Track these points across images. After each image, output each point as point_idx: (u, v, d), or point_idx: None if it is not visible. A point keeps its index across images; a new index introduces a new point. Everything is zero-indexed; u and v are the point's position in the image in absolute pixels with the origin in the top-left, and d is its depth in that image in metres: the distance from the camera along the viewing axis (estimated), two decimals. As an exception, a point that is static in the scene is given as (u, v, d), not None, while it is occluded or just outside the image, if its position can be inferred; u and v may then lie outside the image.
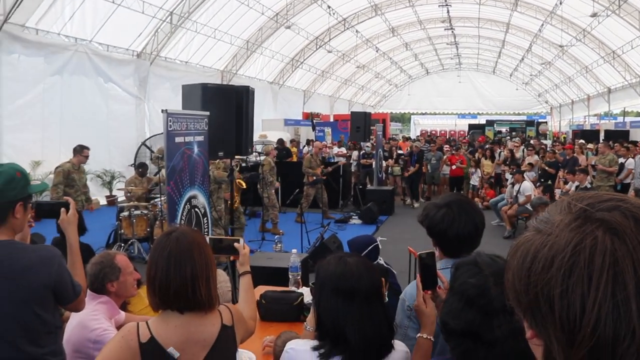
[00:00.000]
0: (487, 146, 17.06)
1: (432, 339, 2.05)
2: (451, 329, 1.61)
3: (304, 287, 4.17)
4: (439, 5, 25.37)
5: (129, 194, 9.96)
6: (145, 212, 9.11)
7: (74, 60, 14.47)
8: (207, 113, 5.72)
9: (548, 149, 16.47)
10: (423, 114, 46.04)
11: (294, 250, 4.69)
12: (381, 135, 15.81)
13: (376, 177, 14.76)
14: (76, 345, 2.68)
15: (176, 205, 5.18)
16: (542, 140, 22.90)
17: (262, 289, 4.01)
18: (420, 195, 15.74)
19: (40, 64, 13.52)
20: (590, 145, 18.47)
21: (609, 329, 0.65)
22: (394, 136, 26.66)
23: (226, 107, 5.96)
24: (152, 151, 14.41)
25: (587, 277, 0.66)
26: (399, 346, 2.03)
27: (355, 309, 1.93)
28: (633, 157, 13.02)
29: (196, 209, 5.63)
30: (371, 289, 1.99)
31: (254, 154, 11.56)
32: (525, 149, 16.39)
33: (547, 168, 13.78)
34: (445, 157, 15.68)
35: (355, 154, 16.72)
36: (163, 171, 7.45)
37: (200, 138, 5.58)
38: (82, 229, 5.41)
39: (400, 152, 17.41)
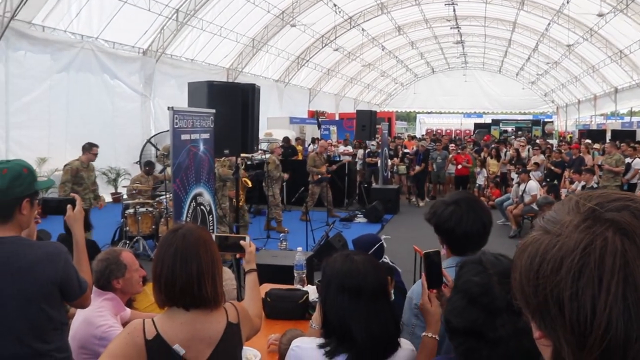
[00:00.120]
0: (492, 145, 17.02)
1: (437, 338, 2.04)
2: (454, 327, 1.61)
3: (309, 285, 4.17)
4: (445, 4, 25.31)
5: (133, 192, 9.98)
6: (151, 209, 9.12)
7: (80, 57, 14.52)
8: (213, 111, 5.73)
9: (554, 148, 16.44)
10: (429, 112, 45.96)
11: (299, 249, 4.69)
12: (387, 134, 15.81)
13: (381, 176, 14.75)
14: (82, 341, 2.69)
15: (182, 203, 5.18)
16: (548, 140, 22.84)
17: (267, 286, 4.00)
18: (425, 195, 15.72)
19: (47, 61, 13.56)
20: (596, 145, 18.40)
21: (620, 331, 0.64)
22: (399, 135, 26.62)
23: (232, 105, 5.97)
24: (157, 149, 14.43)
25: (597, 279, 0.66)
26: (405, 344, 2.02)
27: (362, 307, 1.92)
28: (640, 157, 12.97)
29: (202, 207, 5.63)
30: (378, 287, 1.98)
31: (259, 152, 11.56)
32: (531, 149, 16.34)
33: (553, 168, 13.74)
34: (451, 156, 15.65)
35: (360, 152, 16.70)
36: (168, 169, 7.46)
37: (206, 136, 5.58)
38: (87, 226, 5.43)
39: (405, 150, 17.39)
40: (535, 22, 27.24)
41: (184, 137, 5.17)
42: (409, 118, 53.70)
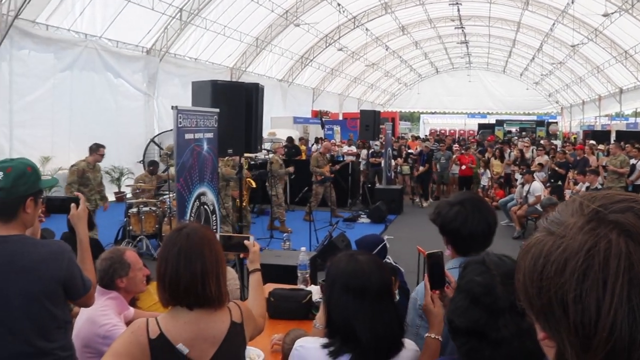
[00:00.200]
0: (496, 146, 16.98)
1: (440, 339, 2.04)
2: (456, 327, 1.61)
3: (312, 285, 4.17)
4: (450, 4, 25.31)
5: (137, 191, 9.99)
6: (154, 208, 9.14)
7: (83, 56, 14.54)
8: (217, 110, 5.73)
9: (558, 149, 16.38)
10: (432, 113, 45.92)
11: (303, 248, 4.70)
12: (390, 134, 15.78)
13: (385, 176, 14.74)
14: (85, 340, 2.70)
15: (185, 202, 5.19)
16: (552, 141, 22.79)
17: (270, 286, 4.01)
18: (429, 195, 15.70)
19: (50, 60, 13.59)
20: (601, 146, 18.34)
21: (624, 333, 0.64)
22: (403, 135, 26.60)
23: (236, 105, 5.98)
24: (160, 148, 14.45)
25: (602, 281, 0.65)
26: (409, 345, 2.02)
27: (366, 307, 1.92)
28: (644, 158, 12.91)
29: (205, 206, 5.64)
30: (382, 287, 1.98)
31: (263, 151, 11.57)
32: (535, 149, 16.31)
33: (557, 168, 13.70)
34: (454, 156, 15.63)
35: (364, 152, 16.70)
36: (172, 169, 7.47)
37: (209, 135, 5.59)
38: (91, 225, 5.44)
39: (409, 151, 17.37)
40: (539, 22, 27.17)
41: (188, 136, 5.17)
42: (413, 118, 53.67)
